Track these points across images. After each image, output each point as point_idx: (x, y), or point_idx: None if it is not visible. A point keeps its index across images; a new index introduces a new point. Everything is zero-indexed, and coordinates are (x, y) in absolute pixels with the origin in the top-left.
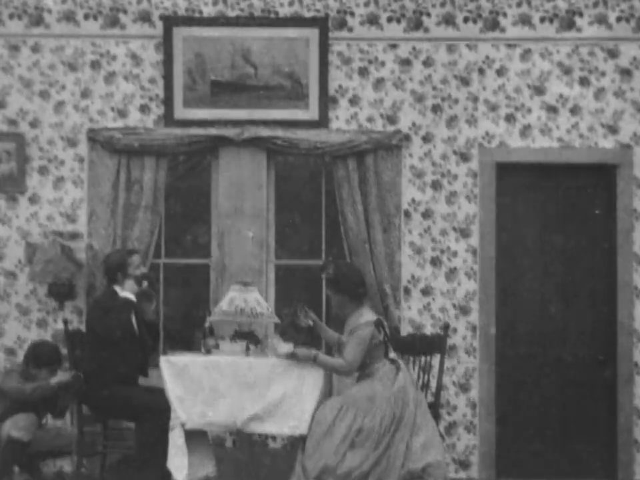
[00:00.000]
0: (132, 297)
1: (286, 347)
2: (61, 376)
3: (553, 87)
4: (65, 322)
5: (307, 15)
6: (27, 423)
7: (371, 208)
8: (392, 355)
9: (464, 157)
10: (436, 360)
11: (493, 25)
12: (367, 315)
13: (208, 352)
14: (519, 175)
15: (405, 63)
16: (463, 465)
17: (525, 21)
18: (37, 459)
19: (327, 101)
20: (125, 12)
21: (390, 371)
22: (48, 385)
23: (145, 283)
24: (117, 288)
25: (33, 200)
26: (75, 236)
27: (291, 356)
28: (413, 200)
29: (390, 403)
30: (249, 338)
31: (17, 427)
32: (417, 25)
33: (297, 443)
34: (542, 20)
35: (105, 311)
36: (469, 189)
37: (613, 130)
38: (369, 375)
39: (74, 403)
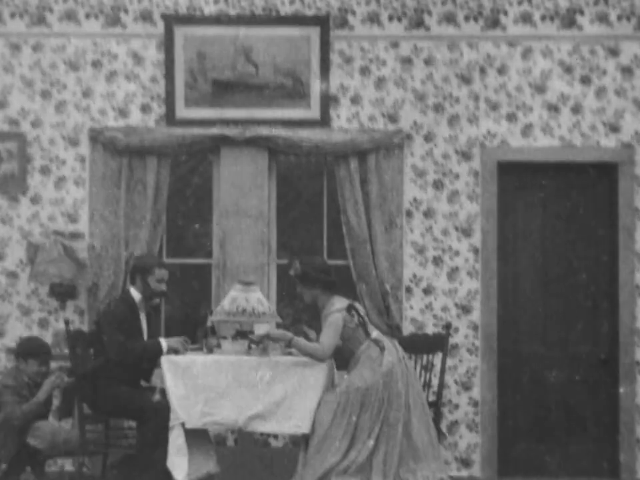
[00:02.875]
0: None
1: (262, 329)
2: (47, 385)
3: (554, 85)
4: (67, 322)
5: (308, 13)
6: (45, 431)
7: (372, 207)
8: (375, 334)
9: (465, 156)
10: (438, 359)
11: (494, 23)
12: (338, 303)
13: (210, 351)
14: (521, 173)
15: (406, 61)
16: (465, 463)
17: (526, 19)
18: (43, 459)
19: (328, 100)
20: (126, 11)
21: (374, 351)
22: (37, 401)
23: (157, 300)
24: (133, 290)
25: (35, 200)
26: (76, 236)
27: (267, 337)
28: (415, 199)
29: (379, 388)
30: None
31: (34, 434)
32: (418, 23)
33: (298, 442)
34: (543, 18)
35: (119, 323)
36: (471, 188)
37: (614, 128)
38: (356, 362)
39: (75, 401)
